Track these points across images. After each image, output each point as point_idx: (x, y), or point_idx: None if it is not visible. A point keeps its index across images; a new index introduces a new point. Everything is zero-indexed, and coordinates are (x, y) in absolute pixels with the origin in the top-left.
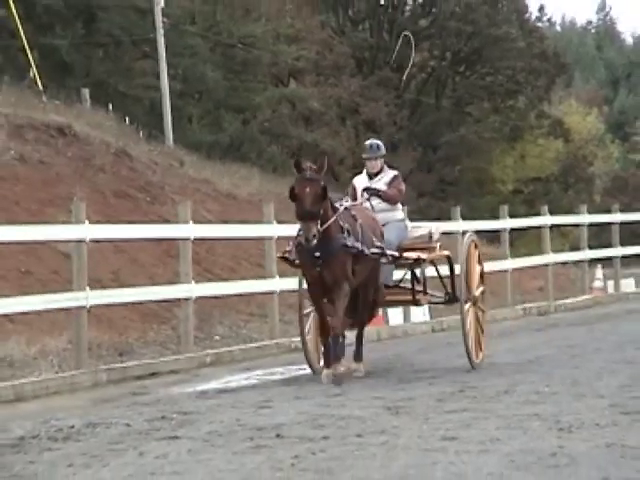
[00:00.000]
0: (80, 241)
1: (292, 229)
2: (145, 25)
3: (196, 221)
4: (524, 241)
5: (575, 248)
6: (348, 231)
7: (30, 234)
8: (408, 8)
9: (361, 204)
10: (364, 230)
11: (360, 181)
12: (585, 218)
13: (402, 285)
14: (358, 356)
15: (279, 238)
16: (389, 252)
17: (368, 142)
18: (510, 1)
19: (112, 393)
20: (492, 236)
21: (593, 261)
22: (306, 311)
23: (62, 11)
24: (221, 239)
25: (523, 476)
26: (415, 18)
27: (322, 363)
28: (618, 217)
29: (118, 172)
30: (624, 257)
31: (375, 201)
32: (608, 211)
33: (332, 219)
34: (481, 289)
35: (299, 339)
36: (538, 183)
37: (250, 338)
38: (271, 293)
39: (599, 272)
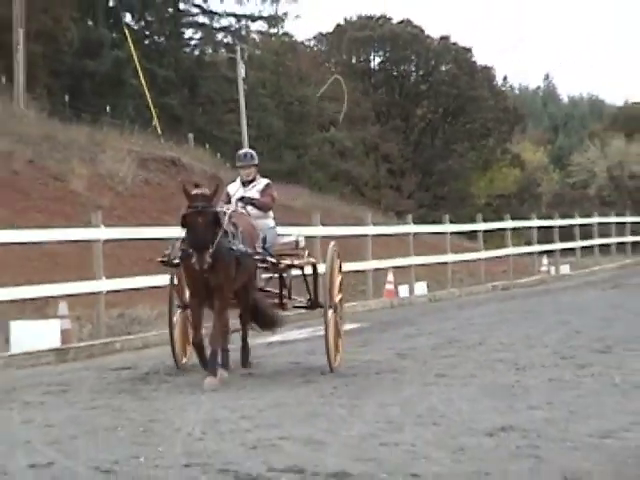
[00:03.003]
0: None
1: (335, 230)
2: (231, 90)
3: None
4: (493, 238)
5: (528, 243)
6: (233, 235)
7: (152, 233)
8: (412, 78)
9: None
10: (244, 237)
11: (234, 188)
12: (535, 222)
13: (267, 289)
14: (246, 362)
15: (323, 237)
16: (269, 258)
17: (242, 151)
18: (483, 72)
19: None
20: (471, 235)
21: (541, 253)
22: (176, 303)
23: (174, 80)
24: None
25: (491, 401)
26: (417, 84)
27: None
28: (558, 222)
29: None
30: (562, 250)
31: (248, 208)
32: (551, 218)
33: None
34: (340, 296)
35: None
36: (502, 198)
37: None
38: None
39: (545, 260)
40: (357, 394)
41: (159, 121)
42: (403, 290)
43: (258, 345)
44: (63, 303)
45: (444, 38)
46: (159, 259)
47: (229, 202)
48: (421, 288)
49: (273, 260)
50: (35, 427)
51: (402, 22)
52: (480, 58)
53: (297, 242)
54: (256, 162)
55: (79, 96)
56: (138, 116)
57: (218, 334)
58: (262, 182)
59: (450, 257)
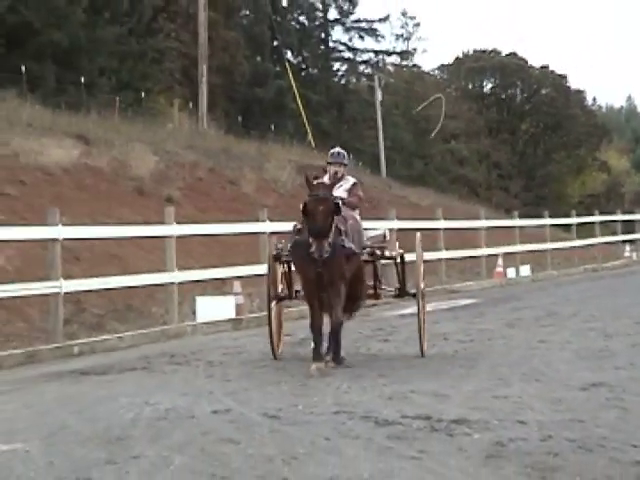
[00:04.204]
0: None
1: (454, 224)
2: (370, 111)
3: (399, 219)
4: (584, 230)
5: (613, 233)
6: (346, 232)
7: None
8: (518, 100)
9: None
10: (352, 231)
11: None
12: (619, 217)
13: None
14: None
15: (445, 229)
16: (376, 251)
17: (335, 149)
18: (576, 95)
19: None
20: (566, 227)
21: (624, 241)
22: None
23: (325, 103)
24: (413, 229)
25: (584, 362)
26: (522, 105)
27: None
28: (638, 216)
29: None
30: None
31: None
32: (632, 213)
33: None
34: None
35: (458, 285)
36: (592, 197)
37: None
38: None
39: (627, 247)
40: (473, 356)
41: (313, 136)
42: (510, 272)
43: (392, 316)
44: (237, 282)
45: (544, 67)
46: (273, 253)
47: None
48: (525, 270)
49: (378, 252)
50: (216, 381)
51: (509, 54)
52: (574, 82)
53: (384, 235)
54: (346, 162)
55: (250, 117)
56: (296, 133)
57: (336, 325)
58: (349, 181)
59: (549, 245)
